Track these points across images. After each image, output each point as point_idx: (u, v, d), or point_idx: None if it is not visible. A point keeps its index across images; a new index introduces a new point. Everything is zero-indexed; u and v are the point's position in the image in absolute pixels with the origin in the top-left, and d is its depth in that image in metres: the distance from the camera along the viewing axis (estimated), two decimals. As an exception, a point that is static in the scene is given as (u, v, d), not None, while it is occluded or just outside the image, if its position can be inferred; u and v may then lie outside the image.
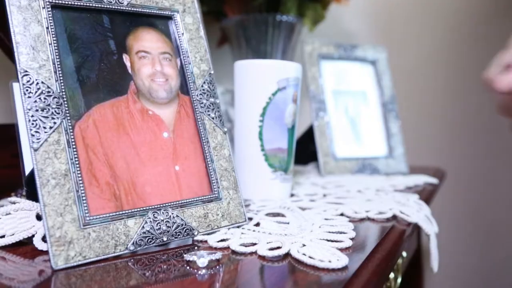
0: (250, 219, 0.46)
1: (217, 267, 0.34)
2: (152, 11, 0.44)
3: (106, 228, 0.36)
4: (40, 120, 0.35)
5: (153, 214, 0.38)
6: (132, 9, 0.43)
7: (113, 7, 0.42)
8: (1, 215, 0.39)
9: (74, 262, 0.33)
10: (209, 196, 0.43)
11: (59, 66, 0.37)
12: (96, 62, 0.40)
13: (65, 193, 0.34)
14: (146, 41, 0.43)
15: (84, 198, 0.35)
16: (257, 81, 0.56)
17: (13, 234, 0.39)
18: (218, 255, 0.34)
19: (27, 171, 0.45)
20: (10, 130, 0.48)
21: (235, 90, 0.58)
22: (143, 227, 0.37)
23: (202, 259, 0.33)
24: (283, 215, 0.49)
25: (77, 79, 0.38)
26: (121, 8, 0.42)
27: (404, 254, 0.62)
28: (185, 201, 0.41)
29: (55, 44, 0.37)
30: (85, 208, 0.35)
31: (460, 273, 1.18)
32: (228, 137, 0.46)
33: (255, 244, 0.38)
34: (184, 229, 0.40)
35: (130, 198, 0.38)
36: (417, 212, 0.51)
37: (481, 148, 1.16)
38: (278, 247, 0.37)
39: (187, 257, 0.34)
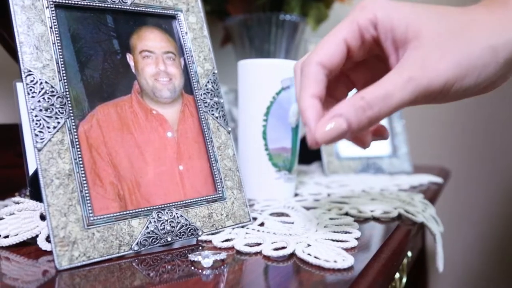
0: (255, 219, 0.46)
1: (222, 267, 0.33)
2: (156, 10, 0.44)
3: (110, 228, 0.35)
4: (44, 120, 0.35)
5: (157, 214, 0.38)
6: (136, 8, 0.43)
7: (117, 6, 0.41)
8: (5, 215, 0.39)
9: (78, 262, 0.33)
10: (213, 196, 0.43)
11: (62, 65, 0.37)
12: (100, 62, 0.40)
13: (69, 193, 0.34)
14: (150, 40, 0.43)
15: (88, 198, 0.35)
16: (260, 80, 0.56)
17: (17, 234, 0.39)
18: (222, 255, 0.34)
19: (30, 171, 0.45)
20: (13, 130, 0.48)
21: (238, 89, 0.58)
22: (147, 227, 0.37)
23: (206, 259, 0.33)
24: (287, 215, 0.48)
25: (81, 79, 0.38)
26: (125, 7, 0.42)
27: (409, 254, 0.61)
28: (189, 201, 0.41)
29: (59, 44, 0.37)
30: (89, 208, 0.35)
31: (464, 272, 1.18)
32: (232, 137, 0.46)
33: (259, 244, 0.38)
34: (189, 229, 0.40)
35: (134, 198, 0.38)
36: (422, 212, 0.51)
37: (486, 147, 1.15)
38: (283, 247, 0.36)
39: (192, 257, 0.34)
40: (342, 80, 0.39)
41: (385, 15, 0.33)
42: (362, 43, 0.35)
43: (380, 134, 0.39)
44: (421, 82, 0.31)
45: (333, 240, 0.39)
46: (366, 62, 0.38)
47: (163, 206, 0.39)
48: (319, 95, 0.34)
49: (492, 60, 0.32)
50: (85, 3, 0.40)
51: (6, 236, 0.39)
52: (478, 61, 0.32)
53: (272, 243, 0.37)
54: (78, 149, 0.36)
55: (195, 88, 0.45)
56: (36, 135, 0.34)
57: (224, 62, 0.89)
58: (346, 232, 0.41)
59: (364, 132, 0.39)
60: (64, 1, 0.38)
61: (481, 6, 0.34)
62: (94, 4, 0.40)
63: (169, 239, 0.38)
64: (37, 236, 0.38)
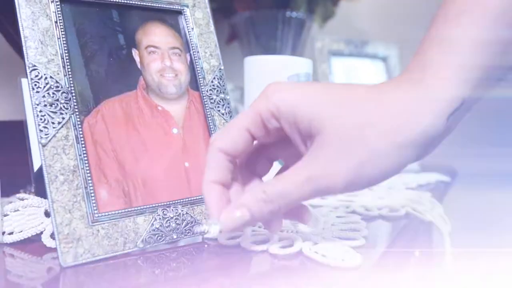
0: (261, 216, 0.46)
1: (228, 265, 0.33)
2: (162, 5, 0.44)
3: (115, 225, 0.35)
4: (49, 115, 0.34)
5: (163, 211, 0.38)
6: (142, 3, 0.42)
7: (122, 1, 0.41)
8: (10, 212, 0.39)
9: (83, 259, 0.33)
10: (219, 193, 0.42)
11: (67, 60, 0.36)
12: (105, 57, 0.39)
13: (73, 190, 0.34)
14: (156, 35, 0.43)
15: (92, 194, 0.35)
16: (267, 76, 0.55)
17: (21, 231, 0.38)
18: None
19: (35, 168, 0.45)
20: (19, 127, 0.48)
21: (245, 86, 0.58)
22: (152, 224, 0.37)
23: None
24: (294, 213, 0.48)
25: (86, 74, 0.38)
26: (130, 2, 0.42)
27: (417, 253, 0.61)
28: (195, 198, 0.40)
29: (64, 39, 0.37)
30: (94, 204, 0.35)
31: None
32: (238, 134, 0.46)
33: (266, 242, 0.37)
34: (194, 227, 0.39)
35: (139, 195, 0.38)
36: (430, 210, 0.50)
37: (493, 145, 1.14)
38: (290, 245, 0.36)
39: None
40: (263, 153, 0.37)
41: (287, 108, 0.32)
42: (267, 132, 0.34)
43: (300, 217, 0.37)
44: (320, 183, 0.31)
45: (340, 238, 0.38)
46: (285, 137, 0.34)
47: (168, 203, 0.39)
48: (220, 181, 0.34)
49: (399, 155, 0.31)
50: (91, -3, 0.39)
51: (11, 233, 0.38)
52: (383, 158, 0.31)
53: (279, 241, 0.37)
54: (83, 145, 0.35)
55: (201, 84, 0.44)
56: (41, 130, 0.34)
57: (230, 60, 0.89)
58: (353, 230, 0.41)
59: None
60: (69, -4, 0.38)
61: (393, 86, 0.32)
62: (100, -2, 0.40)
63: (174, 236, 0.38)
64: (41, 233, 0.38)
